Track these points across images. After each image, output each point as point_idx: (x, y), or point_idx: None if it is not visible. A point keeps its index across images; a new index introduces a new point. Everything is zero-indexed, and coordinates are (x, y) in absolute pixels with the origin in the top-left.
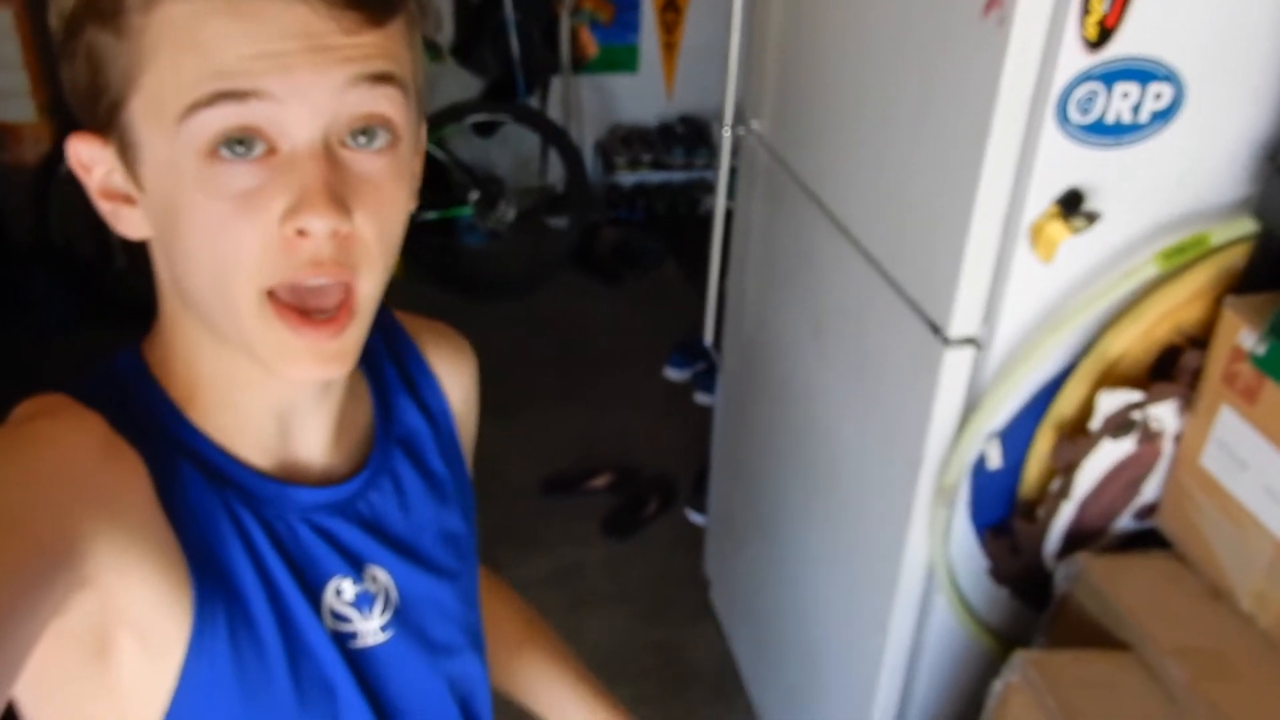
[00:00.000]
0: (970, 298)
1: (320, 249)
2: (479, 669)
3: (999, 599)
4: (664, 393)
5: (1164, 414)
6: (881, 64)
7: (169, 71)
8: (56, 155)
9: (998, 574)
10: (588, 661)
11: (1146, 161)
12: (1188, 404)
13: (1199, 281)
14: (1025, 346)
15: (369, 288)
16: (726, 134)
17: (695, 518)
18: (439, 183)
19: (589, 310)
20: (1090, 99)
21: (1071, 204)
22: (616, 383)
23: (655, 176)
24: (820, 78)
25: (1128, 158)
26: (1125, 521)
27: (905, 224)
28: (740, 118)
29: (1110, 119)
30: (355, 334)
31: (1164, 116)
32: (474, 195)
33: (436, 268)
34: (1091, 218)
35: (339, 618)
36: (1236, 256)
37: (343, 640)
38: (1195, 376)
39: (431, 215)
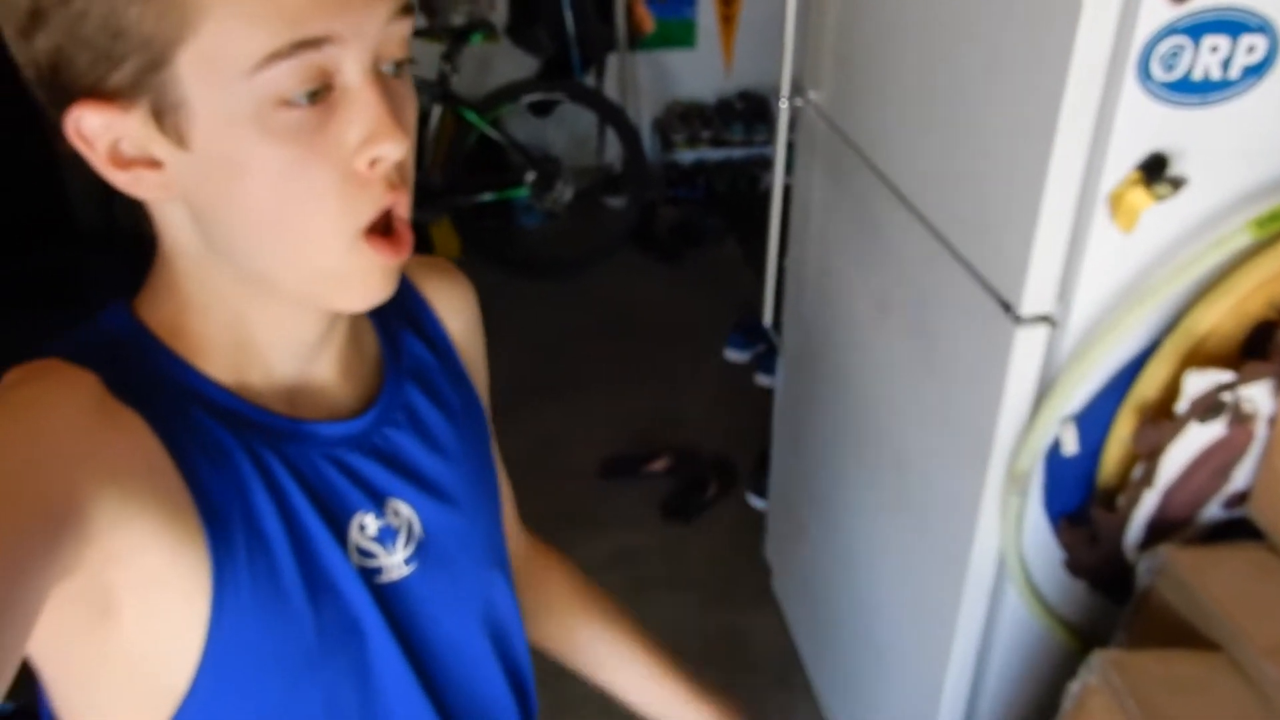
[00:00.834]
0: (1044, 273)
1: (390, 174)
2: (508, 598)
3: (1076, 592)
4: (724, 374)
5: (1257, 395)
6: (947, 23)
7: (233, 24)
8: None
9: (1074, 565)
10: None
11: (1238, 122)
12: None
13: None
14: (1104, 324)
15: (406, 205)
16: (784, 105)
17: (756, 502)
18: (495, 163)
19: (648, 290)
20: (1175, 54)
21: (1155, 169)
22: (676, 364)
23: (714, 154)
24: (881, 43)
25: (1217, 118)
26: (1214, 510)
27: (973, 195)
28: (798, 89)
29: (1198, 75)
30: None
31: (1257, 71)
32: (530, 176)
33: (493, 249)
34: (1177, 184)
35: (364, 553)
36: None
37: (369, 576)
38: None
39: (488, 196)
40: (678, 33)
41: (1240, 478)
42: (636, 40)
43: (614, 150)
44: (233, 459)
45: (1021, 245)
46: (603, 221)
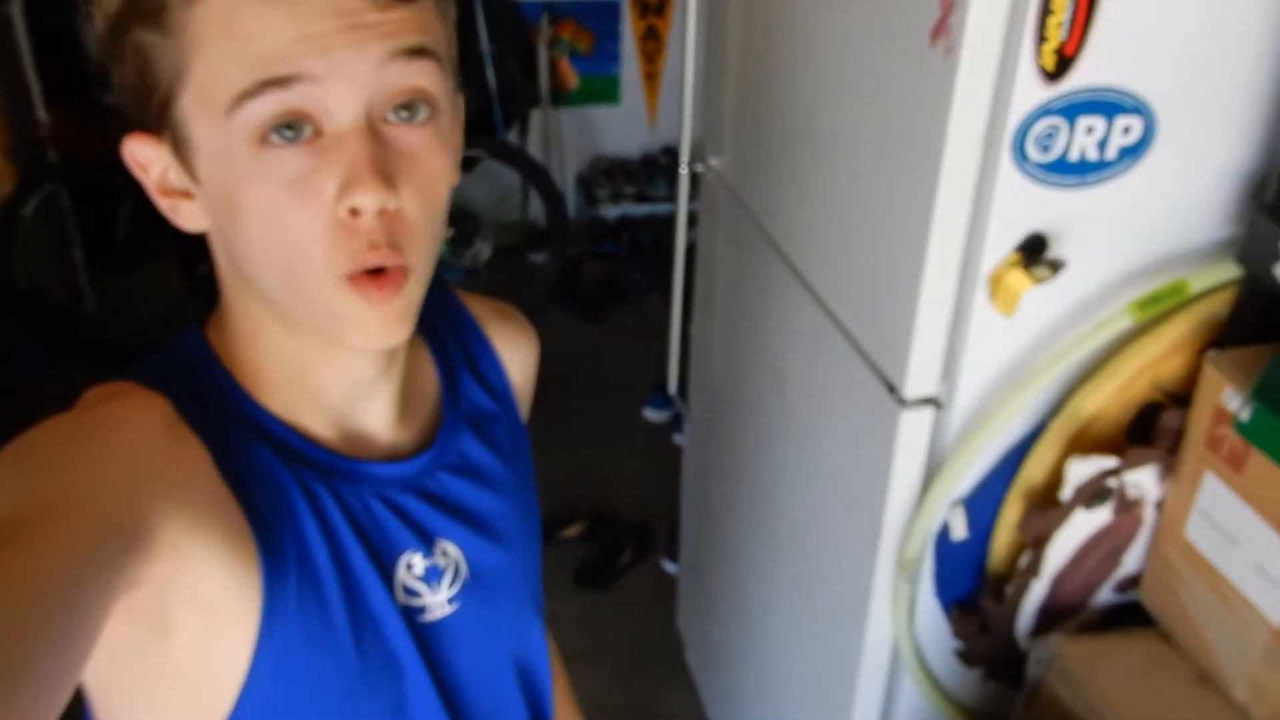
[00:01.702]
0: (927, 354)
1: (373, 230)
2: (541, 641)
3: (974, 678)
4: (644, 434)
5: (1143, 480)
6: (833, 99)
7: (214, 63)
8: (19, 198)
9: (968, 655)
10: None
11: (1116, 202)
12: (1169, 469)
13: (1178, 333)
14: (989, 407)
15: (419, 262)
16: (684, 171)
17: (670, 567)
18: None
19: (571, 348)
20: (1051, 135)
21: (1033, 251)
22: (597, 424)
23: (639, 209)
24: (774, 114)
25: (1095, 199)
26: (1106, 595)
27: (859, 273)
28: (699, 154)
29: (1074, 156)
30: (411, 293)
31: (1134, 152)
32: (448, 233)
33: None
34: (1056, 266)
35: (410, 592)
36: (1219, 305)
37: (411, 615)
38: (1177, 438)
39: None
40: (602, 88)
41: (1131, 561)
42: (560, 96)
43: (538, 206)
44: (287, 492)
45: (904, 326)
46: (526, 278)
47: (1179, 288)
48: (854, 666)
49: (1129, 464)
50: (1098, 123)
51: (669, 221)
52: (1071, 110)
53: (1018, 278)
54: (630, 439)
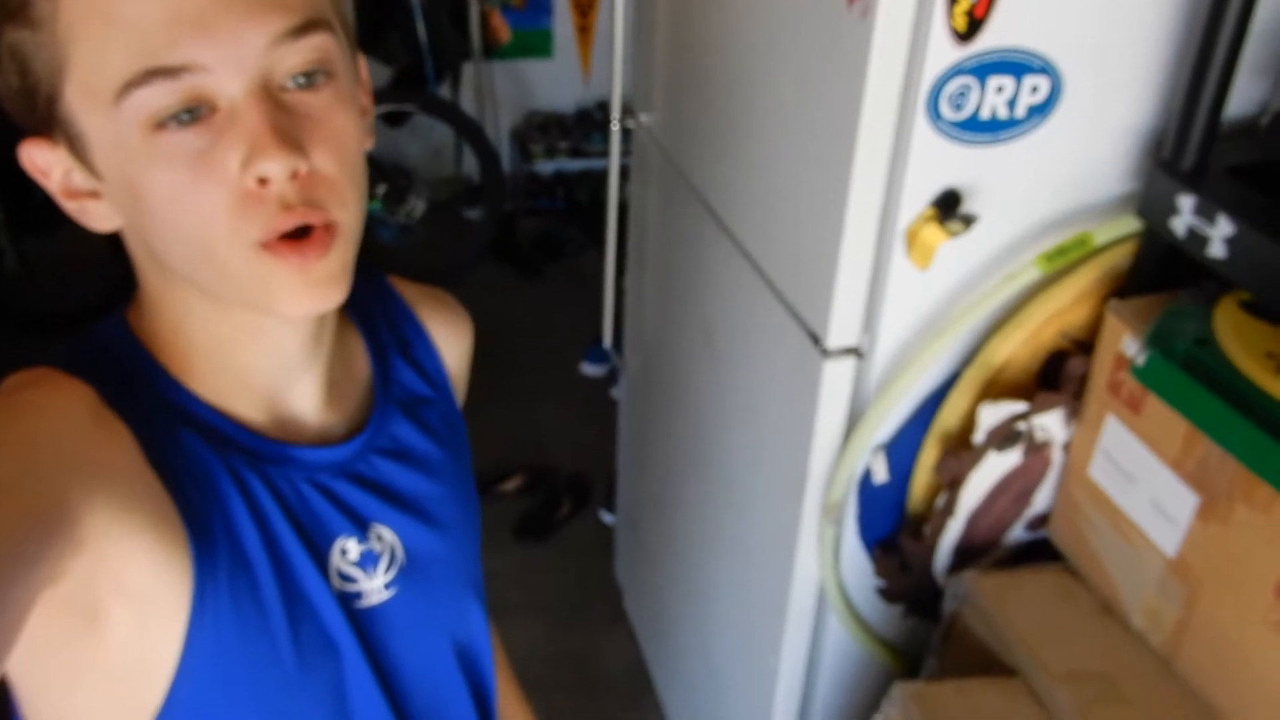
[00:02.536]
0: (848, 306)
1: (285, 193)
2: (481, 622)
3: (896, 615)
4: (582, 388)
5: (1050, 423)
6: (756, 58)
7: (92, 52)
8: None
9: (889, 593)
10: None
11: (1025, 159)
12: (1075, 413)
13: (1084, 283)
14: (907, 356)
15: (345, 217)
16: (615, 128)
17: (608, 518)
18: None
19: (507, 304)
20: (963, 94)
21: (948, 206)
22: (534, 380)
23: (574, 164)
24: (701, 71)
25: (1005, 155)
26: (1018, 533)
27: (783, 228)
28: (630, 110)
29: (985, 115)
30: (340, 255)
31: (1041, 111)
32: (381, 189)
33: None
34: (969, 220)
35: (345, 578)
36: (1121, 256)
37: (348, 600)
38: (1082, 384)
39: None
40: (535, 42)
41: (1041, 501)
42: (493, 50)
43: (472, 161)
44: (216, 478)
45: (826, 279)
46: (461, 234)
47: (1084, 240)
48: (783, 607)
49: (1037, 408)
50: (1007, 82)
51: (604, 177)
52: (982, 70)
53: (933, 232)
54: (568, 393)
